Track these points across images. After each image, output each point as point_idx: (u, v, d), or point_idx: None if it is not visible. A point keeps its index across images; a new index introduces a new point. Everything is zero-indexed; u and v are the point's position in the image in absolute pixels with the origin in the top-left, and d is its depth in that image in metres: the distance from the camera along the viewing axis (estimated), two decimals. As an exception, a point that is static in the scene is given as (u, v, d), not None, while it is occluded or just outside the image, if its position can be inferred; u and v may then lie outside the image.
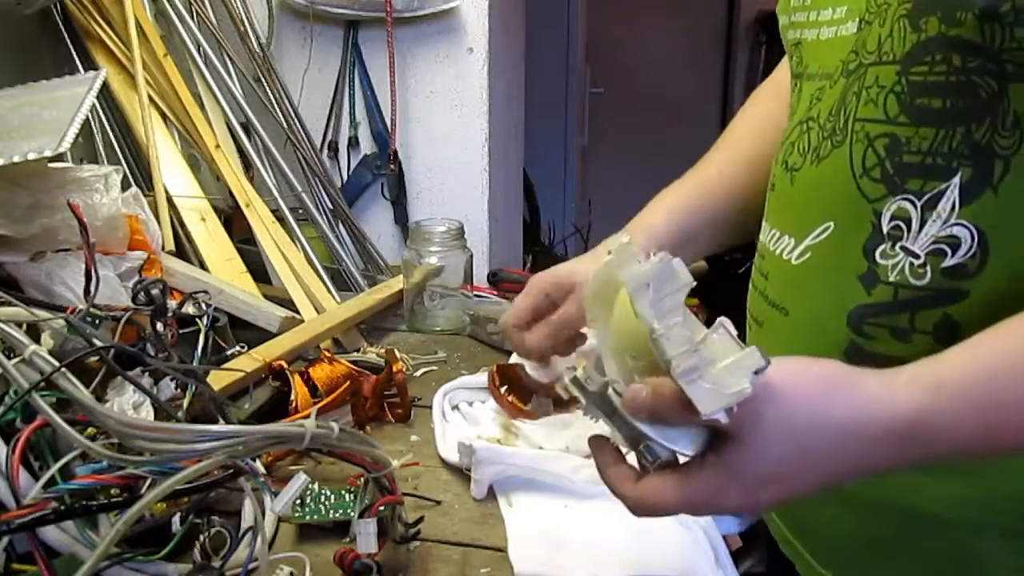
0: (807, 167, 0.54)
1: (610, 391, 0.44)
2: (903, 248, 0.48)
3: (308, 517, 0.58)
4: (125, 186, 0.96)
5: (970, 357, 0.42)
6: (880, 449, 0.41)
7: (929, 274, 0.47)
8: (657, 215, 0.69)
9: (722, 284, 1.37)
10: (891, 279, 0.48)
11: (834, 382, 0.42)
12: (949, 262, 0.46)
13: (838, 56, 0.52)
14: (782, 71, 0.72)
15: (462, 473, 0.68)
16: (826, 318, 0.51)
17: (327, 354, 0.81)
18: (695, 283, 0.41)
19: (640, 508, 0.44)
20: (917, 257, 0.47)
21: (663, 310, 0.39)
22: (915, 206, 0.47)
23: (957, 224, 0.46)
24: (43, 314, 0.58)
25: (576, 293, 0.63)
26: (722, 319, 0.41)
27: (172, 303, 0.68)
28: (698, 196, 0.70)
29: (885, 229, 0.48)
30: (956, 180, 0.45)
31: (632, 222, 0.70)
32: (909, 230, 0.47)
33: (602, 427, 0.46)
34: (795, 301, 0.55)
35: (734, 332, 0.40)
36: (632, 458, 0.46)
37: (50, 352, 0.48)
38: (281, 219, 1.19)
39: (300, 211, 1.26)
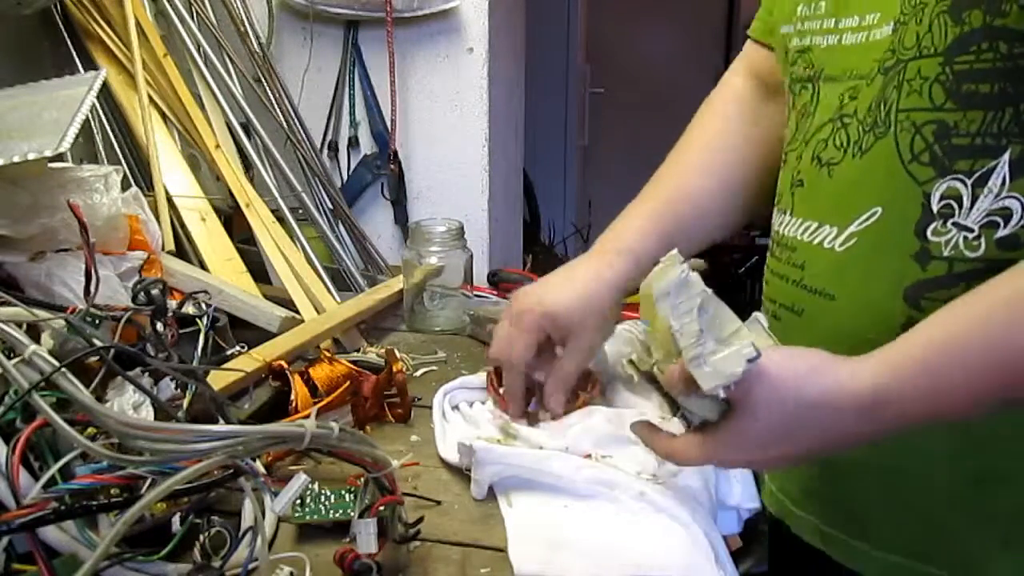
0: (848, 160, 0.58)
1: (655, 370, 0.58)
2: (955, 224, 0.52)
3: (308, 517, 0.58)
4: (125, 186, 0.96)
5: (925, 338, 0.49)
6: (849, 419, 0.49)
7: (983, 246, 0.52)
8: (628, 233, 0.73)
9: (723, 283, 1.38)
10: (945, 254, 0.53)
11: (816, 367, 0.51)
12: (1002, 232, 0.51)
13: (872, 57, 0.57)
14: (741, 81, 0.77)
15: (462, 473, 0.68)
16: (880, 298, 0.56)
17: (327, 354, 0.81)
18: (709, 290, 0.52)
19: (673, 458, 0.57)
20: (971, 231, 0.52)
21: (680, 312, 0.51)
22: (965, 184, 0.52)
23: (1009, 197, 0.50)
24: (43, 314, 0.58)
25: (575, 343, 0.69)
26: (757, 314, 0.54)
27: (172, 303, 0.68)
28: (664, 209, 0.74)
29: (935, 208, 0.53)
30: (1006, 157, 0.50)
31: (606, 242, 0.73)
32: (960, 207, 0.52)
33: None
34: (842, 286, 0.59)
35: (766, 324, 0.54)
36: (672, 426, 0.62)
37: (50, 352, 0.48)
38: (281, 219, 1.19)
39: (300, 211, 1.26)
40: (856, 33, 0.59)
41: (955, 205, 0.52)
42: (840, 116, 0.59)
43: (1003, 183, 0.50)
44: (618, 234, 0.73)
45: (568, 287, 0.70)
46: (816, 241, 0.61)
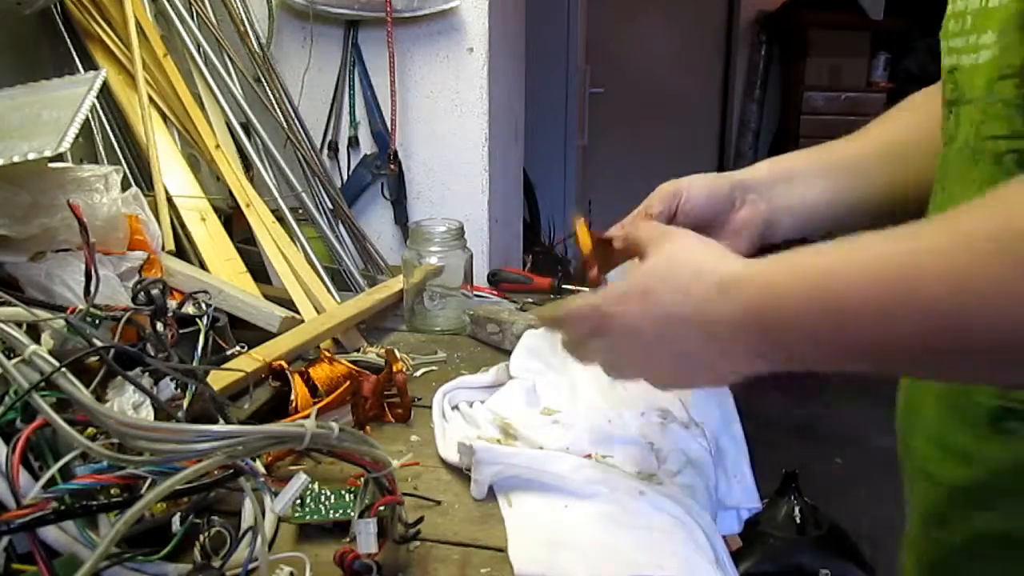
0: (958, 190, 0.54)
1: None
2: None
3: (308, 517, 0.58)
4: (125, 186, 0.96)
5: (829, 261, 0.44)
6: (715, 295, 0.48)
7: None
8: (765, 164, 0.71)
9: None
10: None
11: (712, 245, 0.52)
12: None
13: (987, 79, 0.51)
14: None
15: (462, 473, 0.68)
16: None
17: (327, 354, 0.81)
18: None
19: (568, 311, 0.56)
20: None
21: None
22: None
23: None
24: (43, 314, 0.57)
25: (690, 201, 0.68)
26: None
27: (172, 303, 0.68)
28: (817, 159, 0.71)
29: None
30: None
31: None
32: None
33: None
34: None
35: None
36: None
37: (50, 352, 0.48)
38: (281, 219, 1.19)
39: (300, 211, 1.26)
40: (989, 50, 0.51)
41: None
42: (964, 142, 0.53)
43: None
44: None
45: (692, 176, 0.70)
46: None
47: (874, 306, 0.40)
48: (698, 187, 0.68)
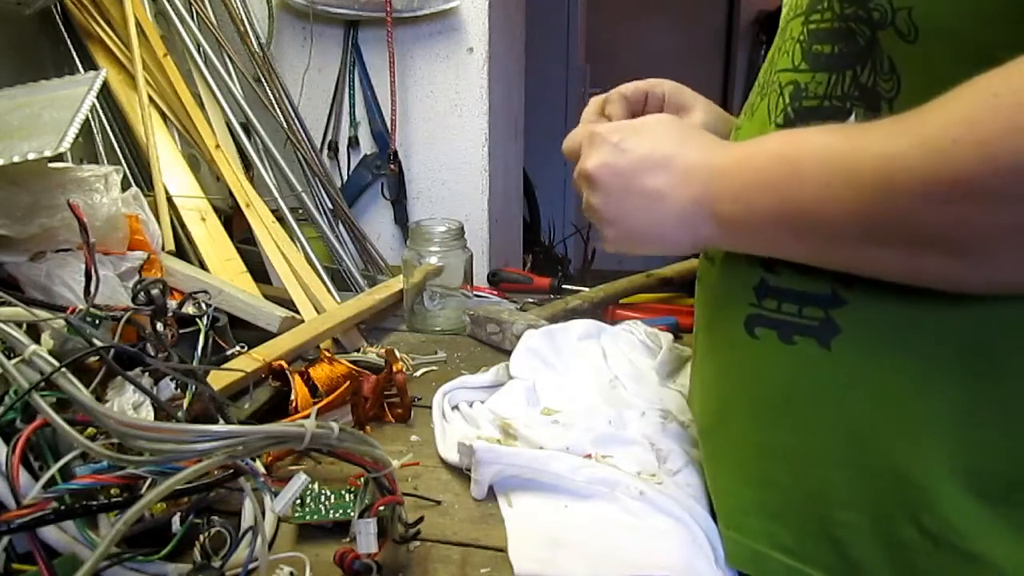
0: (745, 123, 0.58)
1: None
2: None
3: (308, 517, 0.58)
4: (125, 186, 0.96)
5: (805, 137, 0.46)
6: (696, 136, 0.53)
7: None
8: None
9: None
10: None
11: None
12: None
13: (786, 18, 0.56)
14: None
15: (462, 473, 0.68)
16: (742, 258, 0.54)
17: (327, 354, 0.81)
18: None
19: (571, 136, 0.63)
20: None
21: None
22: None
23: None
24: (43, 314, 0.57)
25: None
26: None
27: (172, 303, 0.68)
28: None
29: None
30: (851, 120, 0.47)
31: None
32: None
33: None
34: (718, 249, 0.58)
35: None
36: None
37: (50, 352, 0.48)
38: (281, 219, 1.19)
39: (300, 211, 1.26)
40: None
41: None
42: (757, 81, 0.59)
43: None
44: None
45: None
46: None
47: (825, 165, 0.43)
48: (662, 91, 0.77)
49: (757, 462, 0.54)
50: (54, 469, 0.47)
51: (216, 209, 1.15)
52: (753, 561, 0.53)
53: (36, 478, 0.48)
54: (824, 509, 0.49)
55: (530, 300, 1.19)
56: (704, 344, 0.61)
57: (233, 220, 1.20)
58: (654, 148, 0.53)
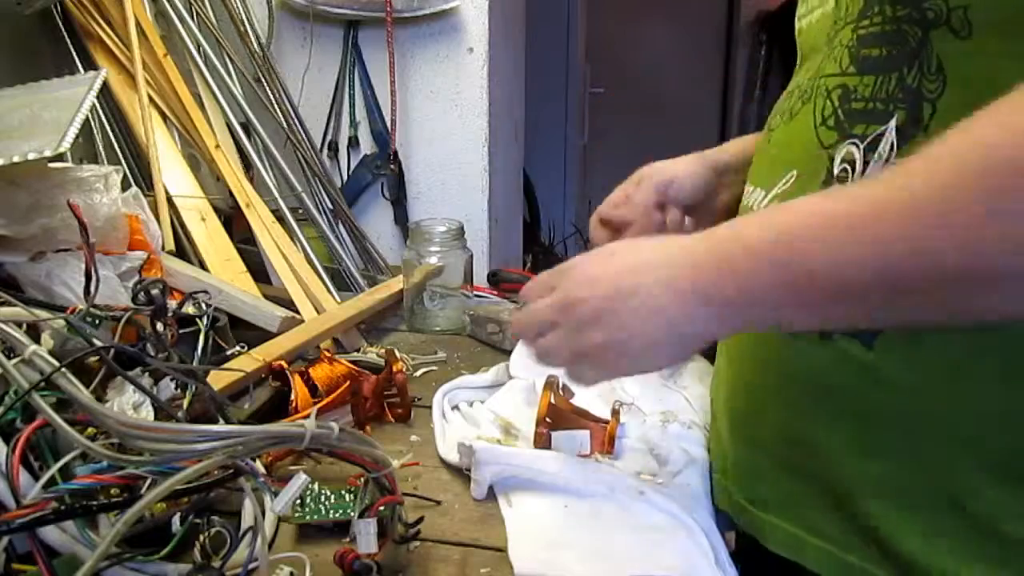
0: (782, 126, 0.60)
1: None
2: None
3: (308, 517, 0.58)
4: (125, 186, 0.96)
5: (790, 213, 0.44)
6: (677, 245, 0.48)
7: None
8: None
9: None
10: None
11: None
12: None
13: (825, 31, 0.58)
14: None
15: (462, 473, 0.68)
16: None
17: (327, 354, 0.81)
18: None
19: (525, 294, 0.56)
20: None
21: None
22: (859, 148, 0.51)
23: (895, 164, 0.48)
24: (43, 314, 0.58)
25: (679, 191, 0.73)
26: None
27: (172, 303, 0.68)
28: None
29: (836, 172, 0.52)
30: (892, 123, 0.49)
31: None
32: (854, 171, 0.51)
33: None
34: None
35: None
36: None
37: (50, 352, 0.49)
38: (281, 219, 1.19)
39: (300, 211, 1.26)
40: (820, 8, 0.60)
41: (850, 169, 0.51)
42: (794, 87, 0.61)
43: (891, 149, 0.49)
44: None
45: (677, 162, 0.75)
46: (749, 204, 0.62)
47: (828, 234, 0.41)
48: (684, 175, 0.73)
49: (794, 451, 0.55)
50: (54, 469, 0.47)
51: (216, 209, 1.15)
52: (793, 546, 0.55)
53: (36, 478, 0.48)
54: (861, 498, 0.51)
55: (530, 300, 1.19)
56: (738, 337, 0.62)
57: (233, 220, 1.20)
58: (632, 263, 0.50)
